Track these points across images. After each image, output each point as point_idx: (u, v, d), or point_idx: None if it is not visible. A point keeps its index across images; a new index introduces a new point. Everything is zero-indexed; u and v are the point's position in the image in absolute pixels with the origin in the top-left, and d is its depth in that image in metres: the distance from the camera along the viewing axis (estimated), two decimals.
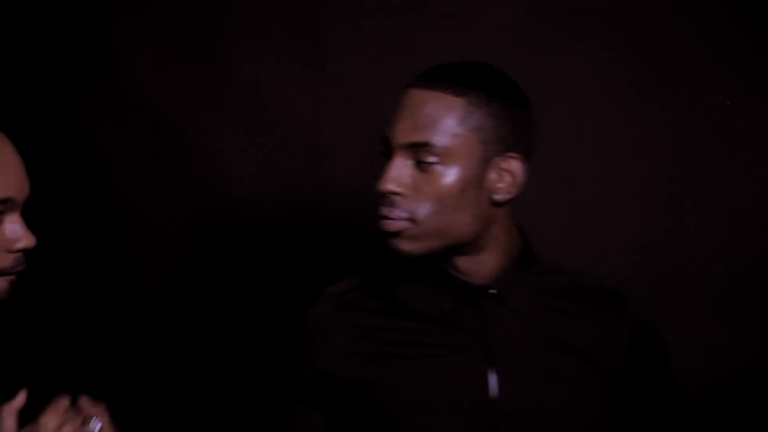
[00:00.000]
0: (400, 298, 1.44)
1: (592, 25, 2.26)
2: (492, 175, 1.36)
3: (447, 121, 1.33)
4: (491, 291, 1.40)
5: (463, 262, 1.40)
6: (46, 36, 2.48)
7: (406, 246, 1.36)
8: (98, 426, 1.23)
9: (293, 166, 2.42)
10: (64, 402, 1.22)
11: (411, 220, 1.34)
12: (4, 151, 1.25)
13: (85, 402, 1.24)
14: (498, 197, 1.37)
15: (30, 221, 2.13)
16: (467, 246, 1.38)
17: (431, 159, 1.33)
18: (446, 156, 1.33)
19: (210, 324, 2.44)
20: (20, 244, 1.25)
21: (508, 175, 1.36)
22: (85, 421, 1.22)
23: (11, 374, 1.38)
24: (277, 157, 2.43)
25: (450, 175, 1.33)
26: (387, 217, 1.36)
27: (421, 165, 1.34)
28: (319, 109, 2.40)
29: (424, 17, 2.35)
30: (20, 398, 1.20)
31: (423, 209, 1.34)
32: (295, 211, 2.43)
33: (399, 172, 1.35)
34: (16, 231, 1.25)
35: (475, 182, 1.34)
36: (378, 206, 1.39)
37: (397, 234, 1.36)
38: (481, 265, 1.39)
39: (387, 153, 1.39)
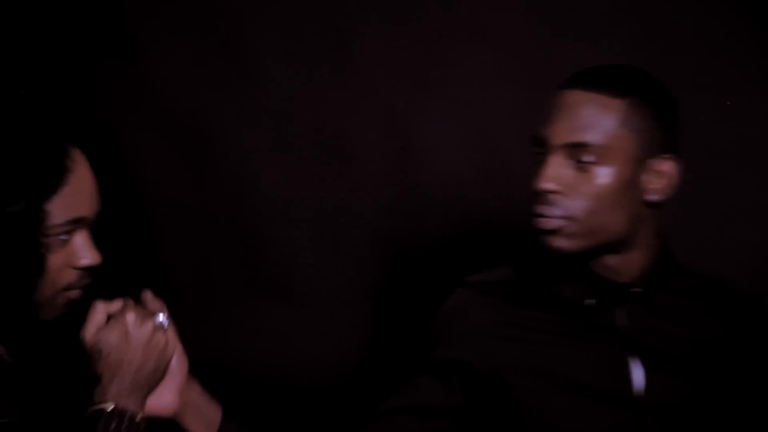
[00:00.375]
0: (542, 290, 1.48)
1: (608, 30, 2.32)
2: (646, 176, 1.40)
3: (606, 122, 1.37)
4: (635, 289, 1.45)
5: (611, 260, 1.44)
6: (76, 41, 2.47)
7: (562, 243, 1.39)
8: (165, 318, 1.34)
9: (319, 167, 2.43)
10: (130, 301, 1.32)
11: (568, 218, 1.38)
12: (80, 169, 1.24)
13: (148, 297, 1.36)
14: (651, 198, 1.42)
15: None
16: (617, 245, 1.42)
17: (589, 159, 1.37)
18: (604, 156, 1.37)
19: (237, 323, 2.42)
20: (85, 261, 1.26)
21: (662, 176, 1.41)
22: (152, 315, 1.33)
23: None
24: (303, 157, 2.44)
25: (607, 175, 1.37)
26: (543, 215, 1.39)
27: (578, 164, 1.38)
28: (345, 110, 2.42)
29: (448, 21, 2.39)
30: (117, 304, 1.32)
31: (580, 208, 1.38)
32: (321, 211, 2.44)
33: (557, 171, 1.38)
34: (83, 248, 1.26)
35: (630, 183, 1.39)
36: (533, 204, 1.42)
37: (553, 232, 1.39)
38: (628, 264, 1.44)
39: (540, 152, 1.42)
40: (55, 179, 1.17)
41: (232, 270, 2.45)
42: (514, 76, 2.36)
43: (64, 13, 2.45)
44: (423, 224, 2.42)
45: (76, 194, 1.21)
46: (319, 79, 2.42)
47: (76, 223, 1.23)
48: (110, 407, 1.25)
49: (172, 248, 2.42)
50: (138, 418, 1.27)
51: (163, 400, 1.35)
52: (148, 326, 1.31)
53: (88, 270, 1.28)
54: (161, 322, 1.34)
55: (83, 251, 1.26)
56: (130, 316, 1.30)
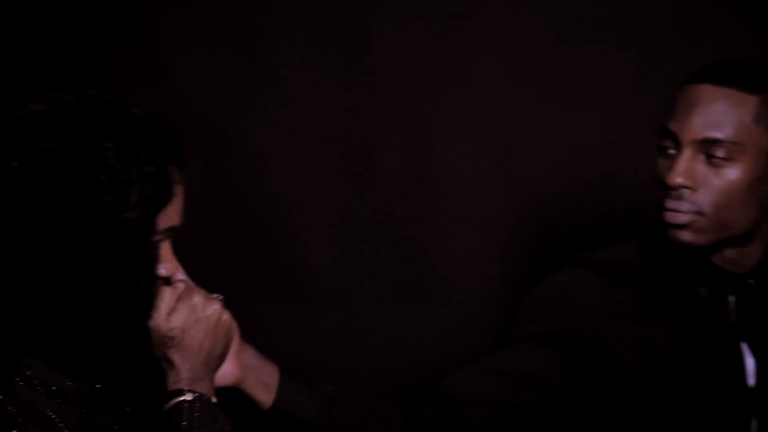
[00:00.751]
0: (655, 275, 1.49)
1: (619, 31, 2.36)
2: None
3: (739, 118, 1.38)
4: (750, 281, 1.47)
5: (731, 253, 1.46)
6: (92, 38, 2.41)
7: (690, 237, 1.41)
8: (220, 297, 1.34)
9: (334, 167, 2.39)
10: (191, 282, 1.32)
11: (697, 213, 1.39)
12: (179, 183, 1.26)
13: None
14: None
15: None
16: (740, 238, 1.44)
17: (720, 154, 1.38)
18: (735, 152, 1.38)
19: (248, 323, 2.34)
20: (163, 272, 1.28)
21: None
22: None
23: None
24: (319, 157, 2.39)
25: (738, 171, 1.39)
26: (673, 209, 1.40)
27: (709, 160, 1.39)
28: (361, 110, 2.39)
29: (463, 21, 2.39)
30: (181, 287, 1.30)
31: (710, 203, 1.39)
32: (336, 211, 2.39)
33: (688, 166, 1.39)
34: (165, 258, 1.28)
35: (761, 178, 1.41)
36: (662, 199, 1.42)
37: (682, 226, 1.40)
38: (746, 256, 1.46)
39: (669, 147, 1.43)
40: (167, 192, 1.22)
41: (246, 269, 2.39)
42: (529, 77, 2.38)
43: (80, 10, 2.40)
44: (439, 223, 2.41)
45: (175, 205, 1.25)
46: (335, 78, 2.39)
47: (169, 232, 1.26)
48: (190, 396, 1.24)
49: (185, 246, 2.32)
50: (214, 400, 1.27)
51: (224, 370, 1.35)
52: (214, 307, 1.30)
53: (164, 279, 1.29)
54: (222, 300, 1.33)
55: (165, 260, 1.28)
56: (197, 299, 1.29)
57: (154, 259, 1.24)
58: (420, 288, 2.42)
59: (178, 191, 1.25)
